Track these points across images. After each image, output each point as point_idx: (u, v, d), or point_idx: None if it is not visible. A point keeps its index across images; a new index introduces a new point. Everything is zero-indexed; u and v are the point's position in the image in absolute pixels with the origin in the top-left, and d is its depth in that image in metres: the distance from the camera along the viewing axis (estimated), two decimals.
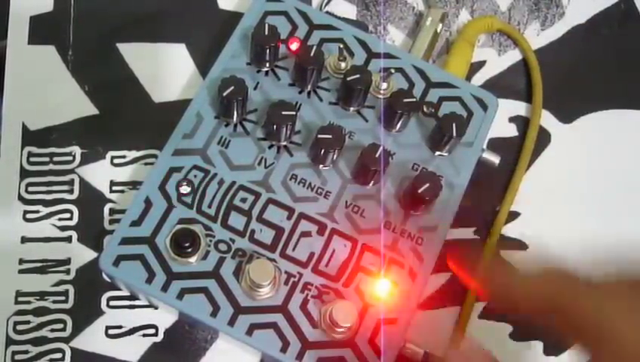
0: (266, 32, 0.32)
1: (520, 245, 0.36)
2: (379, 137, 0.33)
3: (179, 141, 0.32)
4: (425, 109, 0.33)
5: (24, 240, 0.33)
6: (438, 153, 0.33)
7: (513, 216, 0.36)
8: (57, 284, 0.33)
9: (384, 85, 0.33)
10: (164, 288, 0.30)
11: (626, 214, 0.37)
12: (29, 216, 0.34)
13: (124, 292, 0.33)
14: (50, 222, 0.34)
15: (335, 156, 0.32)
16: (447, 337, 0.34)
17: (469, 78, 0.38)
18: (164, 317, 0.33)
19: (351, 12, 0.39)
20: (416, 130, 0.33)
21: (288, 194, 0.32)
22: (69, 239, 0.34)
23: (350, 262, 0.31)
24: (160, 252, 0.30)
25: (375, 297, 0.30)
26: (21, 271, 0.33)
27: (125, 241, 0.30)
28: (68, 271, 0.33)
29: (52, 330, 0.32)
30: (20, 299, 0.32)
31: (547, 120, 0.38)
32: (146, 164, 0.35)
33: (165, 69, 0.37)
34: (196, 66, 0.37)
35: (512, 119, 0.38)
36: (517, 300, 0.27)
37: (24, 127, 0.35)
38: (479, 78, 0.38)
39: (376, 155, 0.31)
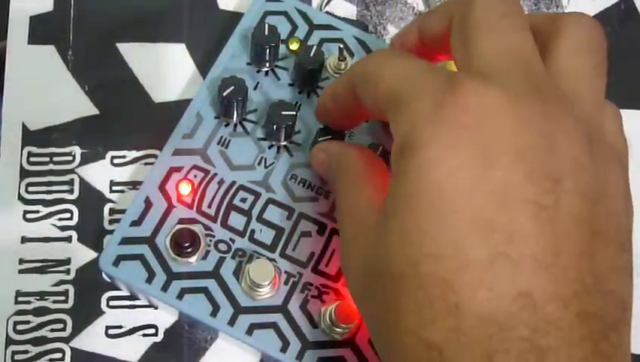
0: (266, 32, 0.32)
1: None
2: (379, 137, 0.33)
3: (179, 141, 0.32)
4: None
5: (24, 240, 0.33)
6: None
7: None
8: (57, 284, 0.33)
9: None
10: (164, 288, 0.30)
11: None
12: (29, 216, 0.34)
13: (124, 292, 0.33)
14: (50, 222, 0.34)
15: None
16: None
17: None
18: (164, 317, 0.33)
19: (351, 12, 0.39)
20: None
21: (288, 194, 0.32)
22: (69, 239, 0.34)
23: None
24: (160, 252, 0.30)
25: None
26: (21, 271, 0.33)
27: (125, 241, 0.30)
28: (68, 271, 0.33)
29: (52, 330, 0.32)
30: (20, 299, 0.32)
31: None
32: (146, 164, 0.35)
33: (165, 69, 0.37)
34: (196, 66, 0.37)
35: None
36: (326, 95, 0.29)
37: (24, 127, 0.35)
38: None
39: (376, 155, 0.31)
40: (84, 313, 0.33)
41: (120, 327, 0.32)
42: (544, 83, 0.22)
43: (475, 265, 0.20)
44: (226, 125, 0.32)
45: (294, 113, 0.31)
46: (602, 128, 0.23)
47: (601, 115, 0.23)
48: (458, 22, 0.24)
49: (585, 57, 0.24)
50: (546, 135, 0.21)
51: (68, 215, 0.34)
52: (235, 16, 0.36)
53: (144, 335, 0.32)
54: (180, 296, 0.30)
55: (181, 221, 0.31)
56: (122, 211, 0.34)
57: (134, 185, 0.34)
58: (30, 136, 0.35)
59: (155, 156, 0.35)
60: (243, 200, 0.31)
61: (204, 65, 0.37)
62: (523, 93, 0.21)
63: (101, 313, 0.33)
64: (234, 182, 0.32)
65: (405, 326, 0.21)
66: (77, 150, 0.35)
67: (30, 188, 0.34)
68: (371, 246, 0.24)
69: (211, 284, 0.30)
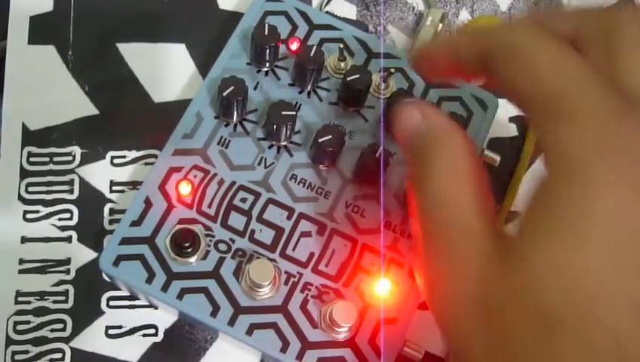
0: (266, 32, 0.32)
1: None
2: (379, 137, 0.33)
3: (179, 141, 0.32)
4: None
5: (24, 240, 0.33)
6: None
7: (513, 216, 0.36)
8: (57, 284, 0.33)
9: (384, 85, 0.33)
10: (164, 288, 0.30)
11: None
12: (29, 216, 0.34)
13: (124, 293, 0.33)
14: (50, 222, 0.34)
15: (335, 156, 0.32)
16: None
17: None
18: (164, 317, 0.33)
19: (351, 12, 0.39)
20: None
21: (288, 194, 0.32)
22: (69, 239, 0.34)
23: (350, 262, 0.31)
24: (160, 252, 0.30)
25: (375, 297, 0.30)
26: (21, 271, 0.33)
27: (125, 241, 0.30)
28: (68, 271, 0.33)
29: (52, 330, 0.32)
30: (20, 299, 0.32)
31: None
32: (146, 164, 0.35)
33: (165, 69, 0.37)
34: (196, 66, 0.37)
35: (512, 119, 0.38)
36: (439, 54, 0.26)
37: (24, 127, 0.35)
38: None
39: (376, 155, 0.31)
40: (84, 313, 0.33)
41: (120, 327, 0.32)
42: None
43: None
44: (226, 125, 0.32)
45: (294, 113, 0.31)
46: None
47: None
48: (602, 35, 0.22)
49: None
50: None
51: (68, 215, 0.34)
52: (235, 16, 0.36)
53: (144, 335, 0.32)
54: (180, 296, 0.30)
55: (181, 221, 0.31)
56: (122, 211, 0.34)
57: (134, 185, 0.34)
58: (30, 136, 0.35)
59: (155, 156, 0.35)
60: (243, 200, 0.31)
61: (204, 66, 0.37)
62: None
63: (101, 313, 0.33)
64: (234, 182, 0.32)
65: None
66: (77, 150, 0.35)
67: (30, 188, 0.34)
68: (491, 270, 0.20)
69: (211, 284, 0.30)
